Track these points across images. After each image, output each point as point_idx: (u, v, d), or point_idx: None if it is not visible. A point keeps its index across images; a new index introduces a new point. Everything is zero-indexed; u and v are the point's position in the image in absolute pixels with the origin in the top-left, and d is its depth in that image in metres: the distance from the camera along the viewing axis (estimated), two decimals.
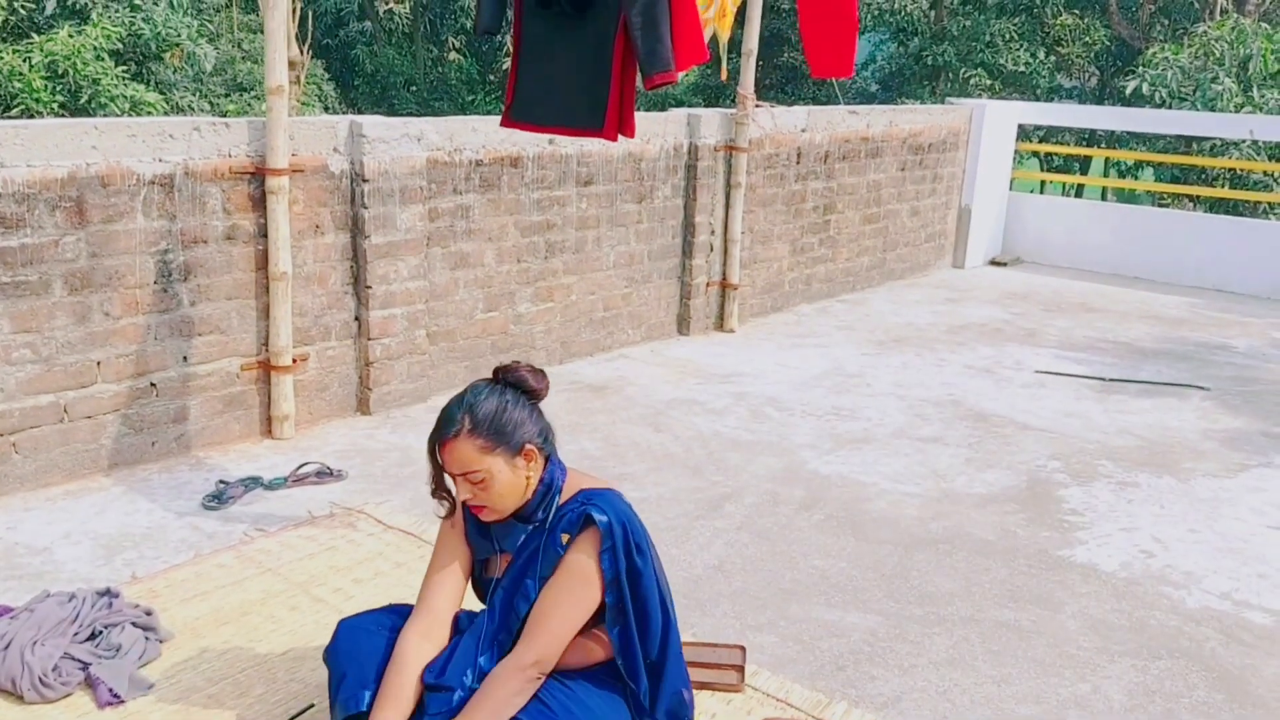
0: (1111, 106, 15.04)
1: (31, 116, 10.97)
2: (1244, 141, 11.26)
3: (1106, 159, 17.52)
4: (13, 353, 3.91)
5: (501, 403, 2.30)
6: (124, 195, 4.09)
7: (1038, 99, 17.30)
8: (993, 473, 4.67)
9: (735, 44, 6.40)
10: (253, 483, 4.15)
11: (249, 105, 14.88)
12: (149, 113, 11.79)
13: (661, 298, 6.48)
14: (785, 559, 3.78)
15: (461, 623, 2.47)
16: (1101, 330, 7.33)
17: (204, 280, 4.37)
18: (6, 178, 3.78)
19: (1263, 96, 11.58)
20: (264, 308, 4.56)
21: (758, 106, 6.68)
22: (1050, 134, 17.15)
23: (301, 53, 14.25)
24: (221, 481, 4.15)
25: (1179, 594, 3.66)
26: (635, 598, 2.34)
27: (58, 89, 11.38)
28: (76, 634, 2.89)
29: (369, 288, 4.85)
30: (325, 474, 4.29)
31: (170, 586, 3.32)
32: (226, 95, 15.46)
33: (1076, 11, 18.18)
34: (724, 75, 6.39)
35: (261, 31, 12.36)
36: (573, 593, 2.30)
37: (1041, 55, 17.73)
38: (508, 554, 2.43)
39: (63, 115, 11.16)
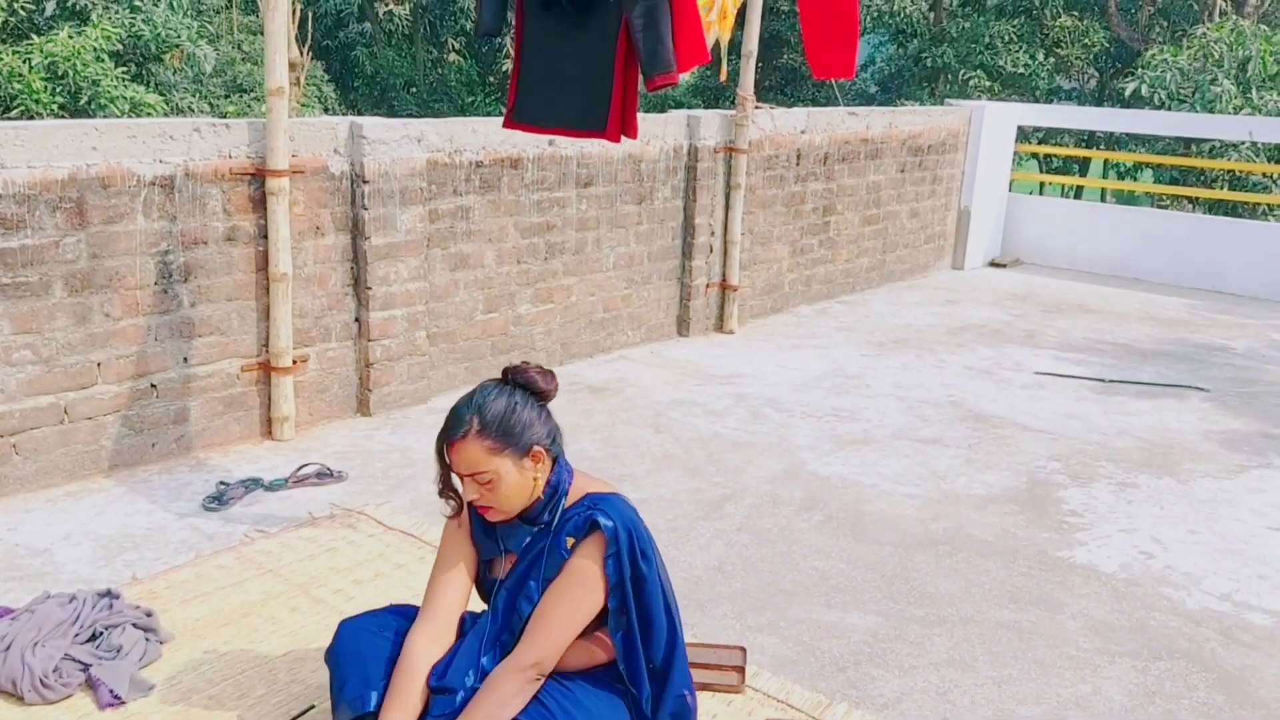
0: (1111, 108, 15.05)
1: (31, 118, 10.97)
2: (1243, 143, 11.27)
3: (1106, 160, 17.53)
4: (13, 354, 3.91)
5: (510, 404, 2.31)
6: (124, 196, 4.09)
7: (1037, 100, 17.33)
8: (992, 474, 4.67)
9: (735, 46, 6.40)
10: (253, 484, 4.15)
11: (249, 107, 14.89)
12: (149, 114, 11.79)
13: (661, 299, 6.48)
14: (785, 560, 3.78)
15: (465, 624, 2.47)
16: (1101, 331, 7.33)
17: (204, 281, 4.38)
18: (7, 179, 3.78)
19: (1261, 98, 11.58)
20: (264, 309, 4.56)
21: (757, 108, 6.68)
22: (1049, 135, 17.19)
23: (301, 54, 14.26)
24: (222, 483, 4.15)
25: (1179, 595, 3.66)
26: (639, 603, 2.34)
27: (58, 90, 11.38)
28: (77, 635, 2.89)
29: (369, 289, 4.85)
30: (325, 475, 4.29)
31: (171, 588, 3.32)
32: (226, 96, 15.47)
33: (1076, 13, 18.21)
34: (724, 77, 6.39)
35: (261, 33, 12.41)
36: (575, 596, 2.30)
37: (1041, 57, 17.75)
38: (513, 555, 2.43)
39: (63, 116, 11.17)
